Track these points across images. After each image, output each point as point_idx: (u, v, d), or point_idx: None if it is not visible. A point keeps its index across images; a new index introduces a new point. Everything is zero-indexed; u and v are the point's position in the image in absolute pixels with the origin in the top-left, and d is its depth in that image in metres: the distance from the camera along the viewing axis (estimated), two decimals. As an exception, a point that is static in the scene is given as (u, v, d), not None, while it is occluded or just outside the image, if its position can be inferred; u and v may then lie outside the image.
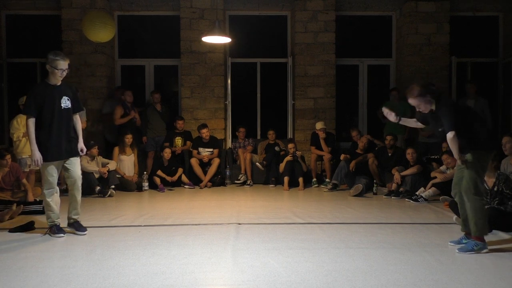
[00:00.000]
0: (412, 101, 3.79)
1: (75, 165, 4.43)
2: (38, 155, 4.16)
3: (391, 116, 4.09)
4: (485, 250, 3.70)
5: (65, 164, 4.38)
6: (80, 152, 4.50)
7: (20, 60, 8.84)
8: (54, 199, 4.36)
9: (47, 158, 4.23)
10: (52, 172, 4.31)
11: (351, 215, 5.31)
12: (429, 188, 6.17)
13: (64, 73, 4.26)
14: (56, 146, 4.26)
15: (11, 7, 8.65)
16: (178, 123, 8.02)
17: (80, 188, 4.46)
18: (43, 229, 4.50)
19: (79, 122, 4.51)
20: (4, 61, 8.73)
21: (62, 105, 4.28)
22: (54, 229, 4.33)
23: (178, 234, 4.34)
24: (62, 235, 4.30)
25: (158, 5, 8.71)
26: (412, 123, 4.19)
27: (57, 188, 4.43)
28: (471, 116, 3.83)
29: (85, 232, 4.39)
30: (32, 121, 4.16)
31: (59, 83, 4.31)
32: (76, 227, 4.43)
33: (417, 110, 3.84)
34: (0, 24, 8.74)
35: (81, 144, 4.49)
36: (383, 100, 8.47)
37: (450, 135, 3.61)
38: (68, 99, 4.33)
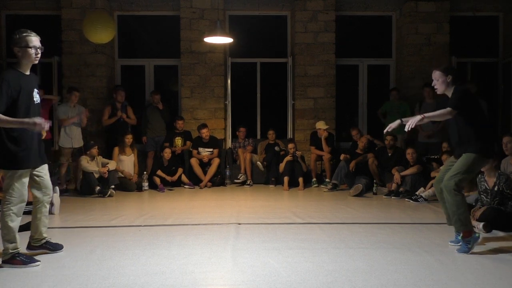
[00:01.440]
0: (434, 74, 3.86)
1: (47, 173, 3.64)
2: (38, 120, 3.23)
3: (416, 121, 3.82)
4: (478, 241, 3.69)
5: (35, 172, 3.52)
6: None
7: (20, 60, 8.83)
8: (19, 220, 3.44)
9: (22, 165, 3.34)
10: (26, 181, 3.41)
11: (351, 215, 5.31)
12: (429, 188, 6.17)
13: (39, 53, 3.43)
14: (33, 150, 3.41)
15: (11, 7, 8.65)
16: (178, 123, 8.02)
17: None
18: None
19: None
20: (4, 61, 8.73)
21: (34, 99, 3.45)
22: (23, 259, 3.39)
23: (178, 234, 4.34)
24: (37, 263, 3.41)
25: (158, 5, 8.71)
26: (441, 115, 3.88)
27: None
28: (481, 115, 3.82)
29: (62, 249, 3.74)
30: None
31: (28, 72, 3.45)
32: (52, 245, 3.73)
33: (432, 84, 3.89)
34: (0, 24, 8.74)
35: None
36: (383, 100, 8.50)
37: (450, 109, 3.63)
38: (38, 92, 3.52)
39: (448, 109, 3.66)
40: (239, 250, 3.79)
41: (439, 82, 3.82)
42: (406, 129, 3.68)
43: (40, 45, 3.42)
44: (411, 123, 3.63)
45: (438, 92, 3.89)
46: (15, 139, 3.31)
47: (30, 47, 3.36)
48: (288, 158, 7.54)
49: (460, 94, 3.72)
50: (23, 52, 3.37)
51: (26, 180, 3.41)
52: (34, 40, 3.39)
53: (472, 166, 3.70)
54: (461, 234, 3.72)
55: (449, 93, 3.82)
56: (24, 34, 3.37)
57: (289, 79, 8.81)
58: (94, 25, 6.80)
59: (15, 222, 3.38)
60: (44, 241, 3.71)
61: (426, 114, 3.71)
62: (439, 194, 3.95)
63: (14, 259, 3.36)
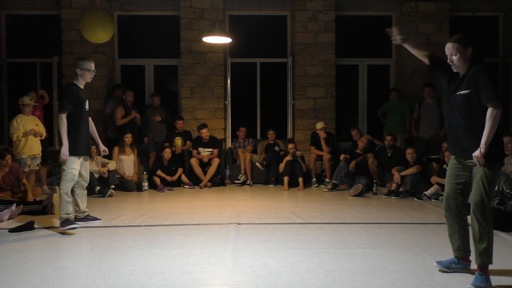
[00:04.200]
0: (451, 47, 3.24)
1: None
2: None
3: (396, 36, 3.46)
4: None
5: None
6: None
7: (20, 60, 8.84)
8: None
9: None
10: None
11: (351, 215, 5.31)
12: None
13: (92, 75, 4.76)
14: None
15: (11, 7, 8.65)
16: (178, 123, 8.01)
17: None
18: (43, 229, 4.53)
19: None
20: (4, 61, 8.73)
21: (86, 107, 4.80)
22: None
23: (178, 234, 4.34)
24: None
25: (158, 5, 8.71)
26: (419, 53, 3.54)
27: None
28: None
29: (101, 220, 5.02)
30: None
31: (82, 86, 4.77)
32: (92, 217, 4.97)
33: (448, 61, 3.25)
34: (0, 24, 8.74)
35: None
36: (383, 100, 8.49)
37: (494, 110, 2.87)
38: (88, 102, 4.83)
39: (492, 110, 2.89)
40: (239, 250, 3.79)
41: (457, 57, 3.17)
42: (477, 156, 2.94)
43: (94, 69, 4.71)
44: (478, 161, 2.92)
45: (456, 70, 3.21)
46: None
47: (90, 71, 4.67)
48: (288, 158, 7.54)
49: (490, 80, 2.98)
50: (82, 73, 4.66)
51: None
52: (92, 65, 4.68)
53: (495, 180, 3.07)
54: (478, 266, 3.03)
55: (464, 70, 3.15)
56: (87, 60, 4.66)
57: (289, 79, 8.81)
58: (93, 25, 6.78)
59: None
60: (86, 213, 4.90)
61: (483, 140, 2.89)
62: (453, 213, 3.21)
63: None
